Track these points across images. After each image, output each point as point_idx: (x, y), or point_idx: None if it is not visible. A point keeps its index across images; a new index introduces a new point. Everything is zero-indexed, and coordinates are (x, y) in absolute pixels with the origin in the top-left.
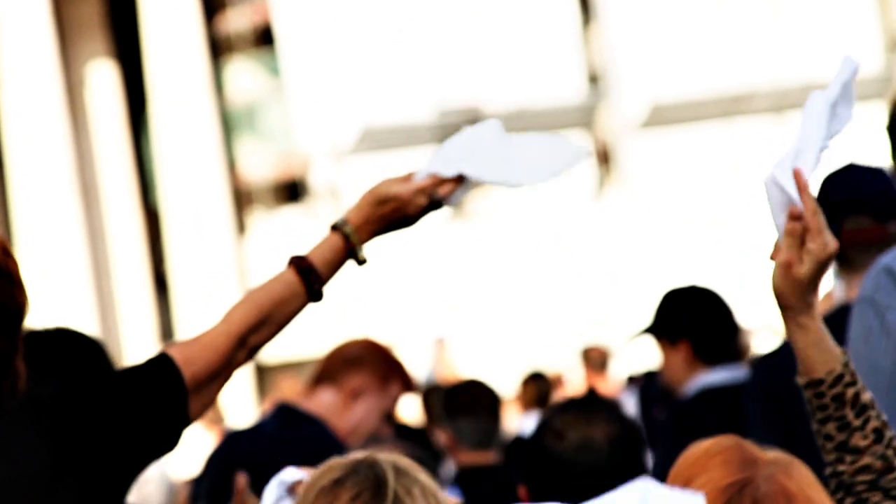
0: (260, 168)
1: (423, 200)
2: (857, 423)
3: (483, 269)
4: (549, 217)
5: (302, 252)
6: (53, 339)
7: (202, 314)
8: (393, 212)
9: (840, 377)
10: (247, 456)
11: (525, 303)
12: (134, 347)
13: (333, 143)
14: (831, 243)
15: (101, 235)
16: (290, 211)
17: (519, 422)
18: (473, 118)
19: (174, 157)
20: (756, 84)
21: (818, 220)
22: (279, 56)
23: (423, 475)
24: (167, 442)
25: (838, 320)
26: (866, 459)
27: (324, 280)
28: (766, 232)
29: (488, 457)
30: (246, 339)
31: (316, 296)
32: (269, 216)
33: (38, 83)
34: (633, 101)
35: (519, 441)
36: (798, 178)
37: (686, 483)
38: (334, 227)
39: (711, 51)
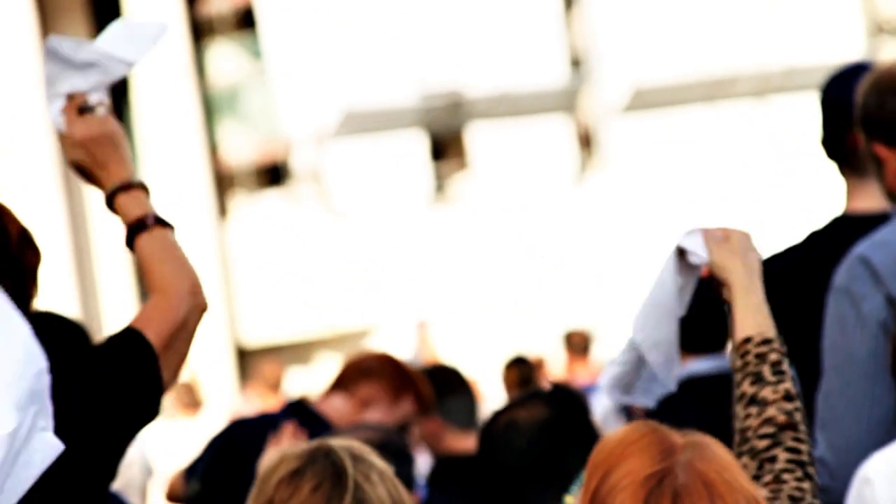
0: (242, 151)
1: (82, 131)
2: (771, 379)
3: (465, 252)
4: (532, 201)
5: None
6: (36, 323)
7: None
8: (86, 156)
9: (769, 340)
10: (248, 443)
11: (507, 286)
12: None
13: (316, 127)
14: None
15: (83, 219)
16: (272, 194)
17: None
18: (456, 102)
19: (156, 140)
20: (738, 68)
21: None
22: (261, 39)
23: (377, 459)
24: (147, 412)
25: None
26: (771, 411)
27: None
28: (750, 215)
29: (472, 442)
30: (195, 285)
31: (166, 223)
32: (251, 200)
33: (18, 66)
34: (615, 85)
35: None
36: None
37: (605, 474)
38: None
39: (694, 35)
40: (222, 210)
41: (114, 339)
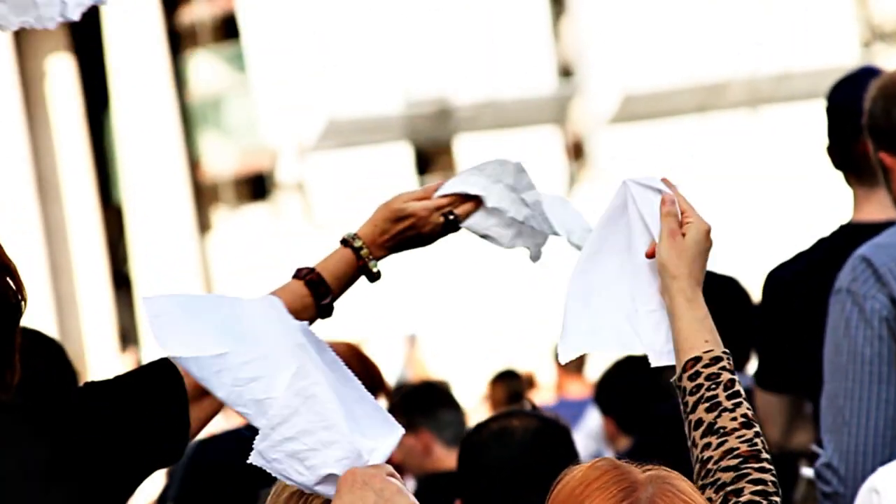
0: (224, 163)
1: (439, 219)
2: (728, 404)
3: (454, 266)
4: None
5: (309, 264)
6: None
7: None
8: (408, 229)
9: (718, 359)
10: (217, 460)
11: (497, 300)
12: (94, 347)
13: (299, 138)
14: (705, 221)
15: (61, 232)
16: (255, 207)
17: None
18: (443, 112)
19: (136, 152)
20: (730, 76)
21: (688, 203)
22: (243, 49)
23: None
24: (166, 452)
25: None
26: (732, 441)
27: (334, 294)
28: (740, 225)
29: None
30: None
31: (325, 310)
32: (234, 213)
33: None
34: (604, 95)
35: None
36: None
37: None
38: (344, 242)
39: (684, 43)
40: (204, 223)
41: (147, 370)
